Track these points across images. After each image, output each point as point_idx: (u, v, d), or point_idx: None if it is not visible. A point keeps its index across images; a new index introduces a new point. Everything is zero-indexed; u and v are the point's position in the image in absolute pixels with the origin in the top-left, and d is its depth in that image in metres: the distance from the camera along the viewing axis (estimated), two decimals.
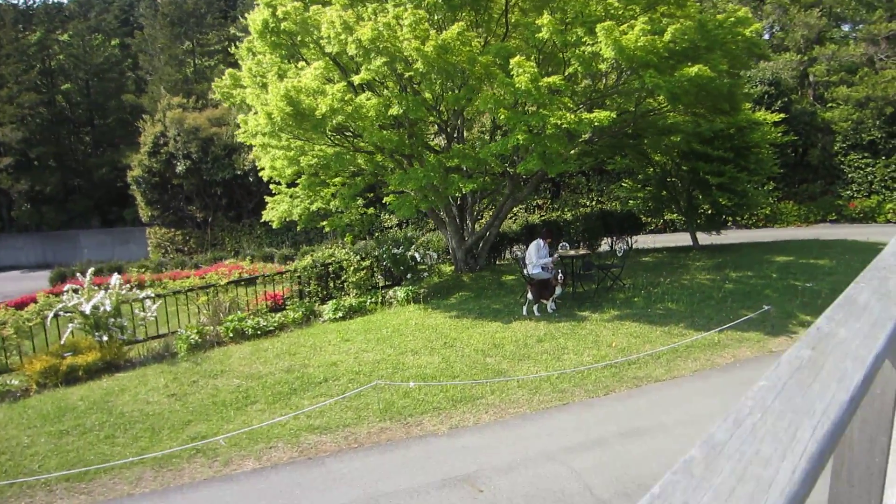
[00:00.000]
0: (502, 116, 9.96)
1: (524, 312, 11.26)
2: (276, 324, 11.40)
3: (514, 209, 27.89)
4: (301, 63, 12.58)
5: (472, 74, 10.21)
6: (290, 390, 8.55)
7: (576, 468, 6.15)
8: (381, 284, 13.91)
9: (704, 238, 19.28)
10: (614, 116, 9.97)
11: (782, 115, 19.65)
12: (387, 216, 28.96)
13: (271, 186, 14.30)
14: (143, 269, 28.44)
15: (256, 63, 12.47)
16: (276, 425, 7.54)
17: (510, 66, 9.77)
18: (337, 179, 13.79)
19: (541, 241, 11.97)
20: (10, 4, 46.24)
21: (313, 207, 13.79)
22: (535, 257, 11.81)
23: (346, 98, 10.40)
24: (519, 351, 9.43)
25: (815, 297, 11.54)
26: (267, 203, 14.55)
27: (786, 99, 27.69)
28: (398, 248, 13.19)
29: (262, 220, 14.70)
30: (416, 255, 12.85)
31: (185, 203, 35.50)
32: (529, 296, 11.31)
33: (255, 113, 11.68)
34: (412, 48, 9.53)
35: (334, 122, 10.63)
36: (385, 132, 10.83)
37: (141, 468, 6.92)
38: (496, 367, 8.88)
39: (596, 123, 9.73)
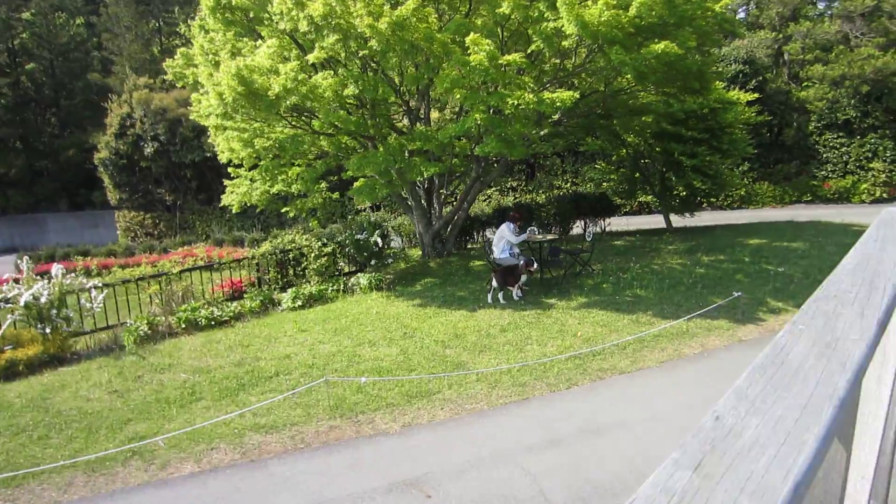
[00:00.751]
0: (458, 96, 9.50)
1: (489, 300, 10.90)
2: (231, 313, 10.93)
3: (488, 191, 27.53)
4: (259, 41, 11.99)
5: (431, 53, 9.72)
6: (238, 385, 8.13)
7: (531, 470, 5.82)
8: (345, 271, 13.48)
9: (678, 220, 19.03)
10: (577, 97, 9.54)
11: (756, 95, 19.36)
12: (361, 200, 28.47)
13: (230, 170, 13.73)
14: (111, 254, 27.88)
15: (209, 41, 11.87)
16: (219, 424, 7.12)
17: (467, 44, 9.29)
18: (298, 162, 13.25)
19: (511, 224, 11.58)
20: None
21: (273, 190, 13.26)
22: (511, 238, 11.36)
23: (299, 77, 9.87)
24: (481, 341, 9.07)
25: (787, 283, 11.30)
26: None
27: (760, 78, 27.43)
28: (362, 234, 12.74)
29: (222, 206, 14.15)
30: (379, 240, 12.39)
31: (154, 186, 34.70)
32: (494, 283, 10.94)
33: (208, 93, 11.10)
34: (365, 25, 9.02)
35: (288, 102, 10.11)
36: (342, 112, 10.33)
37: (72, 472, 6.48)
38: (456, 359, 8.52)
39: (558, 104, 9.30)
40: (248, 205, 13.70)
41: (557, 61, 11.72)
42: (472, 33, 9.32)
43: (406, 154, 11.00)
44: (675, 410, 6.78)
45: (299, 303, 11.53)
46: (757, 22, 31.87)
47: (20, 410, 7.99)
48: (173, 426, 7.21)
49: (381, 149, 10.69)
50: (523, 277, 11.05)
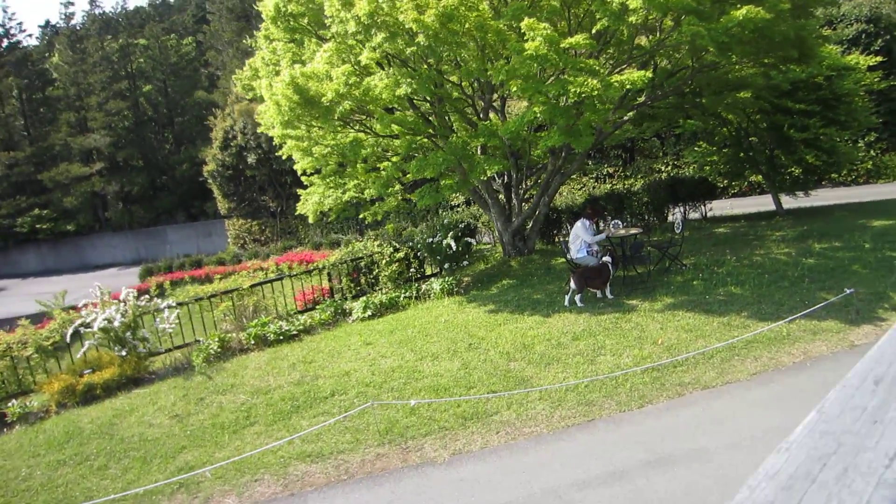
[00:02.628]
0: (514, 88, 8.73)
1: (566, 303, 10.09)
2: (300, 326, 10.76)
3: (583, 179, 26.33)
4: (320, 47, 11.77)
5: (485, 43, 9.03)
6: (292, 408, 7.85)
7: None
8: (419, 275, 13.05)
9: (791, 202, 17.21)
10: (650, 76, 8.52)
11: (880, 59, 17.06)
12: (453, 195, 28.09)
13: (303, 178, 13.64)
14: (220, 262, 29.14)
15: (272, 51, 11.77)
16: (268, 452, 6.85)
17: (522, 29, 8.51)
18: (361, 167, 12.93)
19: (586, 221, 10.70)
20: (97, 15, 48.24)
21: (346, 197, 13.02)
22: (585, 237, 10.54)
23: (351, 81, 9.49)
24: (549, 352, 8.32)
25: None
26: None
27: (888, 37, 24.41)
28: (435, 237, 12.25)
29: (297, 213, 14.09)
30: (452, 243, 11.84)
31: (258, 194, 35.99)
32: (572, 284, 10.12)
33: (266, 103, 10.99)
34: (410, 19, 8.47)
35: (343, 107, 9.76)
36: (399, 113, 9.86)
37: None
38: (519, 373, 7.83)
39: (628, 86, 8.35)
40: (323, 213, 13.54)
41: (632, 40, 10.66)
42: (526, 18, 8.51)
43: (471, 152, 10.36)
44: (764, 436, 5.78)
45: (370, 312, 11.21)
46: None
47: (88, 437, 8.12)
48: (223, 454, 7.01)
49: (441, 149, 10.12)
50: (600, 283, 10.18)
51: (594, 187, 22.98)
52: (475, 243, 17.59)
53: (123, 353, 9.96)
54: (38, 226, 40.50)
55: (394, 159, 12.88)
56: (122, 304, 10.25)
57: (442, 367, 8.36)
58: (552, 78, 9.10)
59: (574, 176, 24.38)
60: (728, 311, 8.97)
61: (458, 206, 28.27)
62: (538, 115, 8.75)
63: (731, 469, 5.32)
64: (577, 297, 10.05)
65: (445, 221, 12.45)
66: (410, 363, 8.67)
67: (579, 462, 5.80)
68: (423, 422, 6.97)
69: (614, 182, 25.74)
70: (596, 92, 8.17)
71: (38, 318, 12.60)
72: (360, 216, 14.39)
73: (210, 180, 36.11)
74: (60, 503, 6.64)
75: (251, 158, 33.22)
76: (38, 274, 41.44)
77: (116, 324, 9.87)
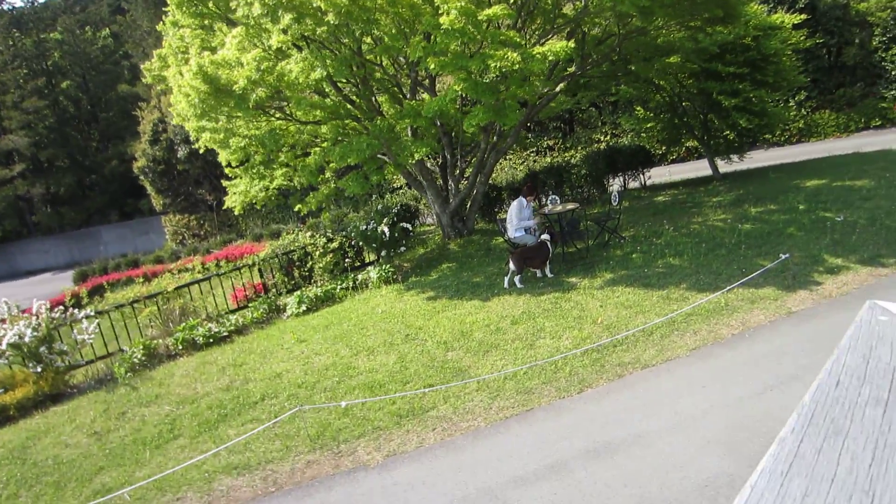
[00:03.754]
0: (432, 65, 8.31)
1: (505, 285, 9.82)
2: (231, 327, 10.24)
3: (524, 153, 26.09)
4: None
5: (400, 18, 8.58)
6: (220, 417, 7.39)
7: None
8: (358, 263, 12.61)
9: (727, 166, 17.29)
10: (572, 46, 8.20)
11: (804, 17, 17.16)
12: (395, 177, 27.48)
13: (227, 170, 12.96)
14: (158, 261, 28.06)
15: (179, 38, 11.05)
16: (192, 467, 6.39)
17: (436, 2, 8.09)
18: (288, 154, 12.33)
19: (523, 200, 10.43)
20: (4, 10, 45.51)
21: (273, 185, 12.42)
22: (517, 219, 10.32)
23: (263, 67, 8.92)
24: (488, 339, 8.03)
25: (849, 233, 9.75)
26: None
27: None
28: (369, 224, 11.82)
29: (224, 207, 13.45)
30: (386, 230, 11.41)
31: (193, 187, 34.81)
32: (511, 265, 9.84)
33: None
34: None
35: (256, 94, 9.19)
36: (316, 98, 9.34)
37: None
38: (457, 364, 7.52)
39: (551, 58, 8.03)
40: (251, 204, 12.91)
41: (557, 9, 10.34)
42: None
43: (398, 134, 9.92)
44: (704, 415, 5.62)
45: (305, 307, 10.75)
46: None
47: None
48: (144, 473, 6.53)
49: (364, 134, 9.65)
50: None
51: (535, 161, 22.74)
52: (417, 226, 17.23)
53: (39, 369, 9.29)
54: None
55: (323, 145, 12.34)
56: (34, 318, 9.55)
57: (377, 362, 7.99)
58: (473, 52, 8.70)
59: (514, 151, 24.12)
60: (667, 283, 8.83)
61: (401, 188, 27.79)
62: (459, 92, 8.36)
63: (672, 454, 5.13)
64: (516, 279, 9.78)
65: (379, 207, 12.02)
66: (345, 360, 8.28)
67: (517, 456, 5.53)
68: (357, 423, 6.61)
69: (554, 155, 25.60)
70: (517, 66, 7.82)
71: None
72: (296, 208, 13.84)
73: (142, 176, 34.73)
74: None
75: (183, 152, 31.98)
76: None
77: (27, 339, 9.19)
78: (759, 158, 18.51)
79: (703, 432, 5.37)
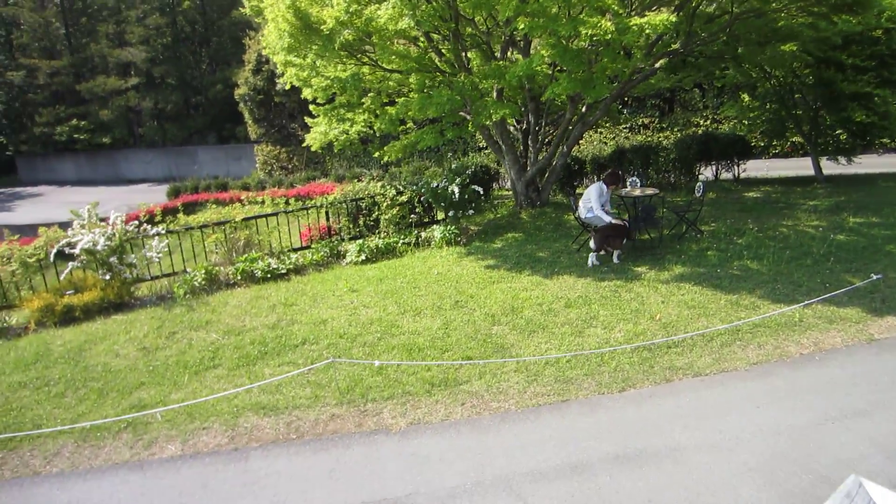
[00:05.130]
0: (521, 25, 7.84)
1: (589, 264, 9.41)
2: (290, 266, 10.32)
3: (617, 128, 25.05)
4: None
5: None
6: (260, 354, 7.47)
7: None
8: (427, 220, 12.46)
9: (833, 167, 16.02)
10: (673, 20, 7.53)
11: None
12: (479, 137, 27.01)
13: (311, 108, 12.94)
14: (245, 187, 28.89)
15: None
16: (223, 399, 6.51)
17: None
18: (374, 100, 12.16)
19: (603, 187, 9.72)
20: None
21: (353, 130, 12.34)
22: (595, 202, 9.69)
23: (352, 9, 8.71)
24: (537, 318, 7.75)
25: None
26: None
27: None
28: (442, 182, 11.60)
29: (304, 144, 13.49)
30: (456, 189, 11.16)
31: (288, 121, 35.41)
32: (592, 244, 9.44)
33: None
34: None
35: (343, 37, 9.02)
36: (400, 47, 9.08)
37: (66, 439, 6.17)
38: (500, 340, 7.30)
39: (648, 31, 7.43)
40: (329, 144, 12.90)
41: None
42: None
43: (480, 93, 9.57)
44: (752, 439, 5.20)
45: (364, 256, 10.71)
46: None
47: (55, 361, 7.89)
48: (178, 396, 6.70)
49: (446, 89, 9.35)
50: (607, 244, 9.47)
51: (626, 138, 21.80)
52: (495, 190, 16.89)
53: (107, 277, 9.68)
54: (75, 136, 40.82)
55: (410, 95, 12.12)
56: (109, 228, 9.92)
57: (422, 325, 7.86)
58: (567, 17, 8.16)
59: (605, 124, 23.22)
60: (739, 288, 8.25)
61: (486, 147, 27.33)
62: (546, 57, 7.90)
63: (706, 476, 4.78)
64: (592, 256, 9.39)
65: (454, 166, 11.75)
66: (391, 317, 8.19)
67: (542, 448, 5.30)
68: (388, 384, 6.52)
69: (648, 134, 24.48)
70: (609, 35, 7.27)
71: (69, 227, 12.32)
72: (375, 154, 13.74)
73: (241, 104, 35.61)
74: (8, 429, 6.40)
75: (281, 85, 32.45)
76: (74, 183, 42.08)
77: (100, 247, 9.55)
78: (870, 164, 17.08)
79: (746, 457, 4.98)
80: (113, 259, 9.80)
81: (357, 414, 6.09)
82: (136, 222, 10.33)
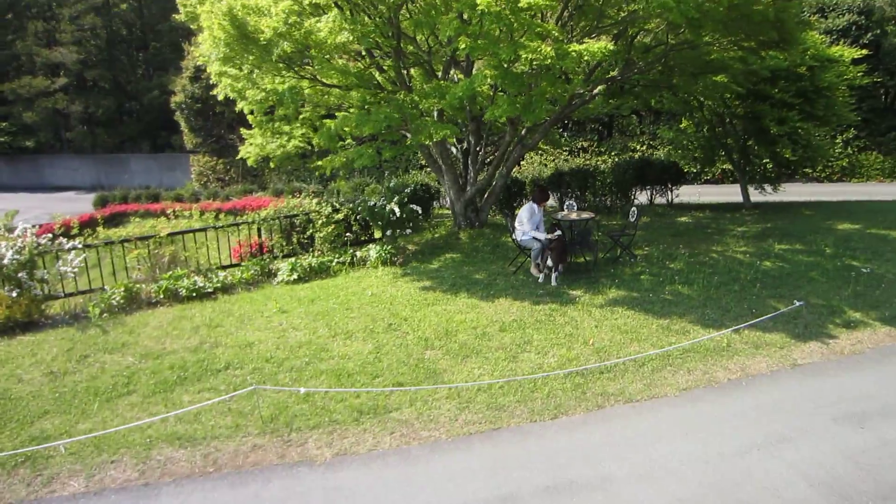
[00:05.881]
0: (462, 45, 7.76)
1: (553, 283, 9.42)
2: (217, 284, 9.91)
3: (556, 151, 25.41)
4: None
5: None
6: (179, 379, 7.06)
7: None
8: (365, 238, 12.19)
9: (760, 195, 16.57)
10: (610, 49, 7.62)
11: (865, 52, 16.28)
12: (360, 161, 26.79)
13: (249, 118, 12.55)
14: (178, 199, 27.92)
15: None
16: (136, 429, 6.08)
17: None
18: (311, 114, 11.89)
19: (534, 206, 9.85)
20: None
21: (290, 146, 12.01)
22: (528, 224, 9.76)
23: (291, 21, 8.48)
24: (471, 342, 7.61)
25: (874, 287, 9.16)
26: None
27: (878, 31, 23.59)
28: (379, 200, 11.39)
29: (238, 157, 13.09)
30: (396, 209, 10.98)
31: (226, 131, 34.56)
32: (549, 261, 9.41)
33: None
34: None
35: (281, 48, 8.76)
36: (340, 62, 8.89)
37: None
38: (433, 365, 7.12)
39: (586, 58, 7.49)
40: (265, 159, 12.53)
41: (603, 8, 9.72)
42: None
43: (419, 112, 9.45)
44: (680, 468, 5.16)
45: (296, 275, 10.39)
46: None
47: None
48: (86, 426, 6.23)
49: (385, 106, 9.20)
50: (549, 261, 9.48)
51: (565, 160, 22.13)
52: (435, 208, 16.77)
53: (14, 294, 9.04)
54: None
55: (350, 111, 11.90)
56: (19, 241, 9.29)
57: (353, 349, 7.61)
58: (506, 41, 8.14)
59: (546, 147, 23.52)
60: (671, 312, 8.32)
61: (426, 166, 27.28)
62: (489, 79, 7.86)
63: None
64: (553, 275, 9.38)
65: (392, 184, 11.58)
66: (321, 340, 7.91)
67: (472, 479, 5.13)
68: (315, 411, 6.24)
69: (587, 157, 24.93)
70: (549, 60, 7.28)
71: None
72: (312, 166, 13.41)
73: (178, 112, 34.60)
74: None
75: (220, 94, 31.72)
76: None
77: (7, 261, 8.92)
78: (794, 192, 17.77)
79: (675, 487, 4.93)
80: (22, 274, 9.16)
81: (280, 444, 5.78)
82: (50, 235, 9.73)
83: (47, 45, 40.55)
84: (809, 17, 19.66)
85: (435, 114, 11.40)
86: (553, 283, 9.46)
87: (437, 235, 13.17)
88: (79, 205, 29.63)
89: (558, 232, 9.46)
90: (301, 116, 12.16)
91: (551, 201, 14.98)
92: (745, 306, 8.48)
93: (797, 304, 7.76)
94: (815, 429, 5.69)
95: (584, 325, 8.01)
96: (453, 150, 13.75)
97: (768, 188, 16.05)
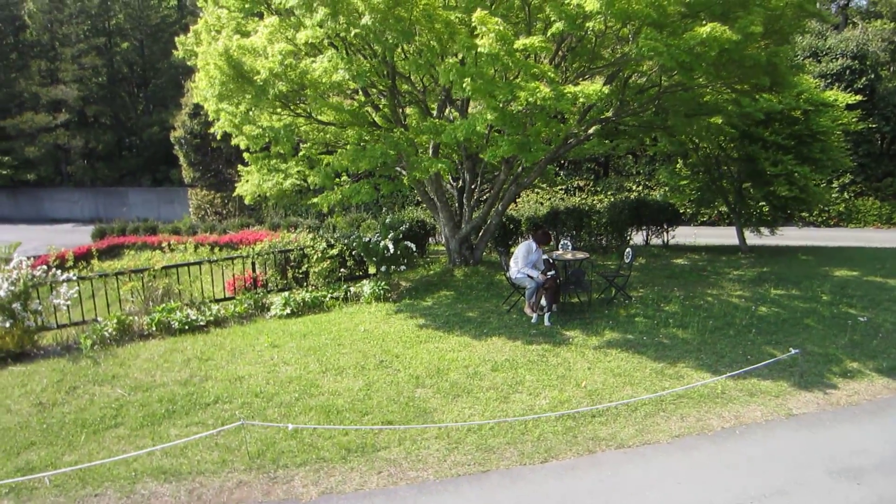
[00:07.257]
0: (467, 87, 7.84)
1: (546, 322, 9.41)
2: (210, 318, 9.88)
3: (553, 190, 25.60)
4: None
5: (434, 34, 8.22)
6: (167, 412, 7.00)
7: None
8: (360, 273, 12.20)
9: (756, 238, 16.62)
10: (605, 91, 7.75)
11: (859, 98, 16.48)
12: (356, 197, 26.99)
13: (245, 156, 12.66)
14: (175, 232, 27.98)
15: (216, 17, 10.82)
16: (121, 462, 6.00)
17: (473, 23, 7.70)
18: (311, 152, 12.02)
19: (532, 245, 9.83)
20: None
21: (287, 183, 12.09)
22: (522, 262, 9.74)
23: (287, 62, 8.62)
24: (462, 382, 7.56)
25: (871, 336, 9.10)
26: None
27: (872, 76, 23.93)
28: (374, 236, 11.43)
29: (234, 194, 13.16)
30: (390, 245, 11.00)
31: (224, 166, 34.87)
32: (543, 301, 9.40)
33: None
34: None
35: (277, 88, 8.89)
36: (335, 100, 9.02)
37: None
38: (423, 404, 7.05)
39: (581, 99, 7.60)
40: (262, 197, 12.62)
41: (597, 50, 9.88)
42: (479, 10, 7.67)
43: (415, 149, 9.54)
44: None
45: (289, 310, 10.37)
46: (874, 10, 28.12)
47: None
48: (72, 458, 6.15)
49: (381, 143, 9.30)
50: (543, 300, 9.48)
51: (561, 199, 22.28)
52: (431, 245, 16.82)
53: (7, 324, 9.01)
54: None
55: (347, 148, 12.02)
56: (13, 272, 9.30)
57: (343, 385, 7.55)
58: (506, 82, 8.29)
59: (543, 185, 23.70)
60: (665, 356, 8.28)
61: (422, 203, 27.42)
62: (489, 120, 7.96)
63: None
64: (546, 316, 9.37)
65: (388, 220, 11.63)
66: (311, 375, 7.85)
67: None
68: (302, 448, 6.17)
69: (583, 196, 25.10)
70: (547, 101, 7.39)
71: None
72: (309, 202, 13.48)
73: (177, 147, 35.02)
74: None
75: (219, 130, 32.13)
76: None
77: (2, 293, 8.92)
78: (791, 236, 17.81)
79: None
80: (16, 305, 9.14)
81: (266, 481, 5.70)
82: (45, 266, 9.73)
83: (49, 82, 41.13)
84: (803, 61, 19.97)
85: (430, 150, 11.50)
86: (546, 322, 9.44)
87: (431, 272, 13.17)
88: (77, 236, 29.74)
89: (552, 272, 9.49)
90: (300, 154, 12.27)
91: None
92: (741, 352, 8.44)
93: (793, 351, 7.72)
94: (810, 483, 5.60)
95: (577, 367, 7.96)
96: (448, 187, 13.85)
97: (765, 231, 16.10)
